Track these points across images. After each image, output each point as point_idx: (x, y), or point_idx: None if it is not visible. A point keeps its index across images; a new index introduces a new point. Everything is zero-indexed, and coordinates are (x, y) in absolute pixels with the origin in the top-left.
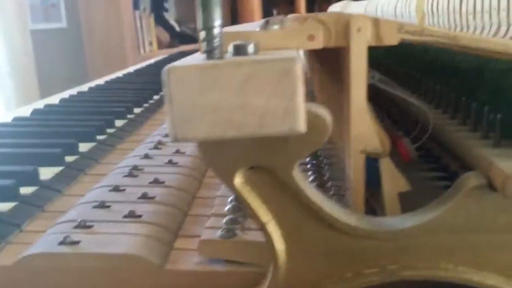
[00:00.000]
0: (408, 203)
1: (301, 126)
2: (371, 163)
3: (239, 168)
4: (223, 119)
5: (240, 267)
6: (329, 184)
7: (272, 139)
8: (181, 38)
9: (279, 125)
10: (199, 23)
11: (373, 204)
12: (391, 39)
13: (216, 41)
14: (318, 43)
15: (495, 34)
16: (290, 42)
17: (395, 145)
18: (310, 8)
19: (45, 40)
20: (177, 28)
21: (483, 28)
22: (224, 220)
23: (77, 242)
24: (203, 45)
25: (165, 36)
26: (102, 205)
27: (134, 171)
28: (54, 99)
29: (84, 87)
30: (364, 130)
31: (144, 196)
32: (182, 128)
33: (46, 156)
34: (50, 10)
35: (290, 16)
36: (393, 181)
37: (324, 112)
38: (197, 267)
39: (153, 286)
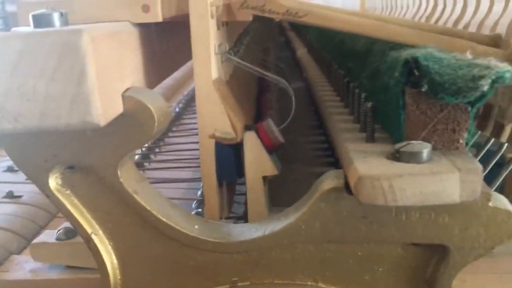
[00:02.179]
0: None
1: (96, 117)
2: (225, 152)
3: (53, 168)
4: None
5: (83, 273)
6: None
7: (84, 132)
8: None
9: (66, 116)
10: None
11: None
12: (236, 13)
13: None
14: (155, 15)
15: (416, 13)
16: (120, 13)
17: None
18: None
19: None
20: None
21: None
22: None
23: None
24: None
25: None
26: None
27: None
28: None
29: None
30: (212, 110)
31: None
32: None
33: None
34: None
35: None
36: (257, 163)
37: (153, 99)
38: (29, 275)
39: None
